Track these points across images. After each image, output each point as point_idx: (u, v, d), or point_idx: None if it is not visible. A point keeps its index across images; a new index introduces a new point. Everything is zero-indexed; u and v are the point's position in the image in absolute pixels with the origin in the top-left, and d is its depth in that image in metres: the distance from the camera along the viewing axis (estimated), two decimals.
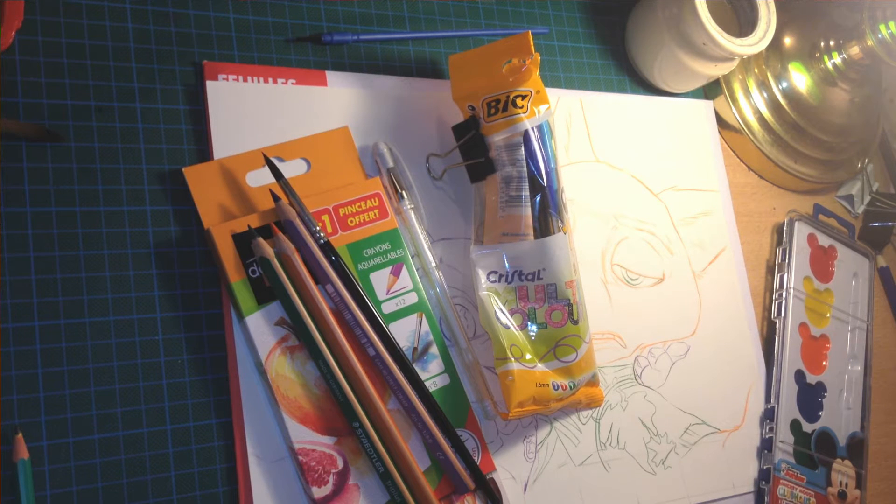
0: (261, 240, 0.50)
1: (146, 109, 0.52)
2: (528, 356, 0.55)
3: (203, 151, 0.53)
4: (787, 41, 0.74)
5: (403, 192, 0.56)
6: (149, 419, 0.48)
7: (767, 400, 0.68)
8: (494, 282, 0.56)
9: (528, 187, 0.55)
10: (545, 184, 0.55)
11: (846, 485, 0.70)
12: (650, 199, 0.67)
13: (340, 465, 0.50)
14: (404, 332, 0.54)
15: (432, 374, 0.54)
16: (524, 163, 0.55)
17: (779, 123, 0.73)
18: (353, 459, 0.50)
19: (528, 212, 0.55)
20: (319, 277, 0.51)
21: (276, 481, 0.49)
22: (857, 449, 0.72)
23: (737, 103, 0.73)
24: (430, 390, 0.53)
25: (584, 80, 0.68)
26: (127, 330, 0.48)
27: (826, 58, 0.73)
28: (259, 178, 0.53)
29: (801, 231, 0.73)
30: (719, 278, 0.69)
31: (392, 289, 0.54)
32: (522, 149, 0.55)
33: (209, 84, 0.53)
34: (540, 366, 0.55)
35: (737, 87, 0.73)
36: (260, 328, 0.50)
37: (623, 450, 0.61)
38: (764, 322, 0.71)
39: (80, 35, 0.51)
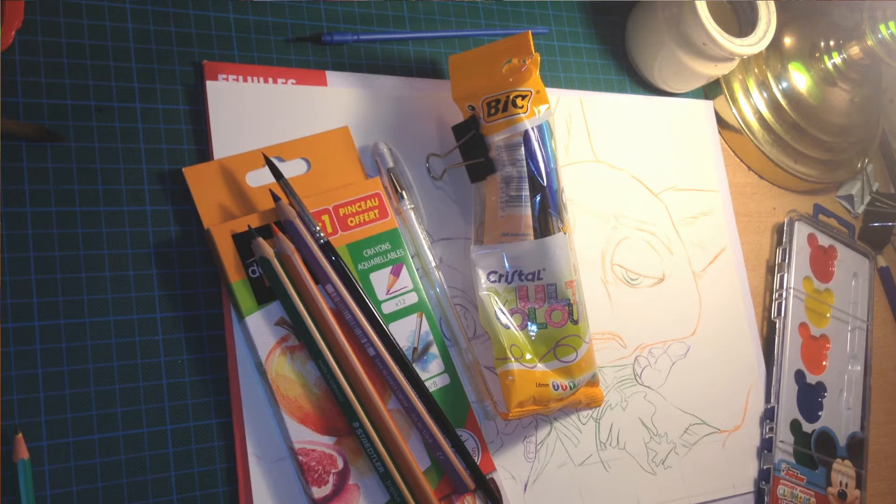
0: (261, 240, 0.50)
1: (146, 109, 0.52)
2: (528, 356, 0.55)
3: (203, 151, 0.53)
4: (787, 41, 0.74)
5: (403, 192, 0.56)
6: (149, 419, 0.48)
7: (767, 400, 0.68)
8: (494, 282, 0.56)
9: (528, 187, 0.55)
10: (545, 184, 0.55)
11: (846, 485, 0.70)
12: (650, 199, 0.67)
13: (340, 465, 0.50)
14: (404, 332, 0.54)
15: (432, 374, 0.54)
16: (524, 163, 0.55)
17: (779, 123, 0.73)
18: (353, 459, 0.50)
19: (528, 212, 0.55)
20: (319, 277, 0.51)
21: (276, 481, 0.49)
22: (857, 449, 0.72)
23: (737, 103, 0.73)
24: (430, 390, 0.53)
25: (584, 80, 0.68)
26: (127, 330, 0.48)
27: (826, 58, 0.73)
28: (259, 178, 0.53)
29: (801, 231, 0.73)
30: (719, 278, 0.69)
31: (392, 289, 0.54)
32: (522, 149, 0.55)
33: (209, 84, 0.53)
34: (540, 366, 0.55)
35: (737, 87, 0.73)
36: (260, 328, 0.50)
37: (623, 450, 0.61)
38: (764, 322, 0.71)
39: (80, 35, 0.51)
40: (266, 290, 0.50)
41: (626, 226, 0.65)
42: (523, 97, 0.55)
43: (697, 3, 0.63)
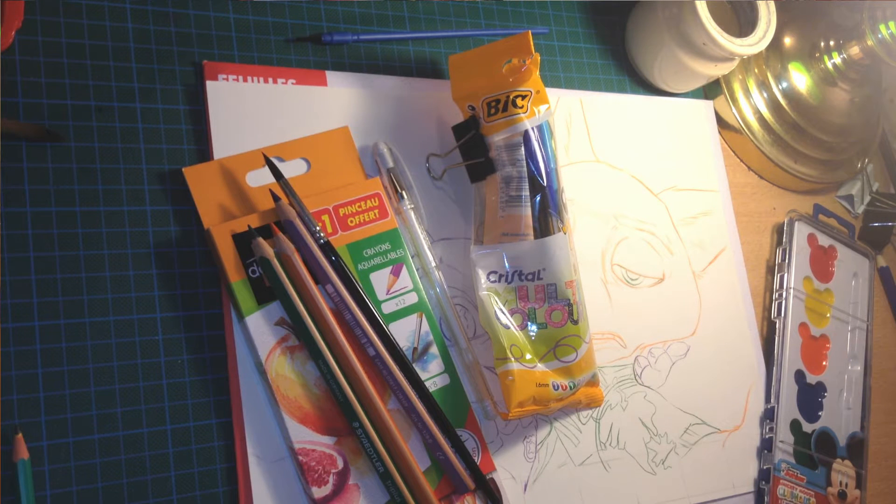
0: (261, 240, 0.50)
1: (146, 109, 0.52)
2: (528, 356, 0.55)
3: (203, 151, 0.53)
4: (787, 41, 0.74)
5: (403, 192, 0.56)
6: (149, 419, 0.48)
7: (767, 400, 0.68)
8: (494, 282, 0.56)
9: (528, 187, 0.55)
10: (545, 184, 0.55)
11: (846, 485, 0.70)
12: (650, 199, 0.67)
13: (340, 465, 0.50)
14: (404, 332, 0.54)
15: (432, 374, 0.54)
16: (524, 163, 0.55)
17: (779, 123, 0.73)
18: (353, 459, 0.50)
19: (528, 212, 0.55)
20: (319, 277, 0.51)
21: (276, 481, 0.49)
22: (857, 449, 0.72)
23: (737, 103, 0.73)
24: (430, 390, 0.53)
25: (584, 80, 0.68)
26: (127, 330, 0.48)
27: (826, 58, 0.73)
28: (259, 178, 0.53)
29: (801, 231, 0.73)
30: (719, 278, 0.69)
31: (392, 289, 0.54)
32: (522, 149, 0.55)
33: (209, 84, 0.53)
34: (540, 366, 0.55)
35: (737, 87, 0.73)
36: (260, 328, 0.50)
37: (623, 450, 0.61)
38: (764, 322, 0.71)
39: (80, 35, 0.51)
40: (266, 290, 0.50)
41: (626, 226, 0.65)
42: (523, 97, 0.55)
43: (697, 3, 0.63)
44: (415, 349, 0.54)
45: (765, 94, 0.73)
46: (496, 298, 0.55)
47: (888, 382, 0.78)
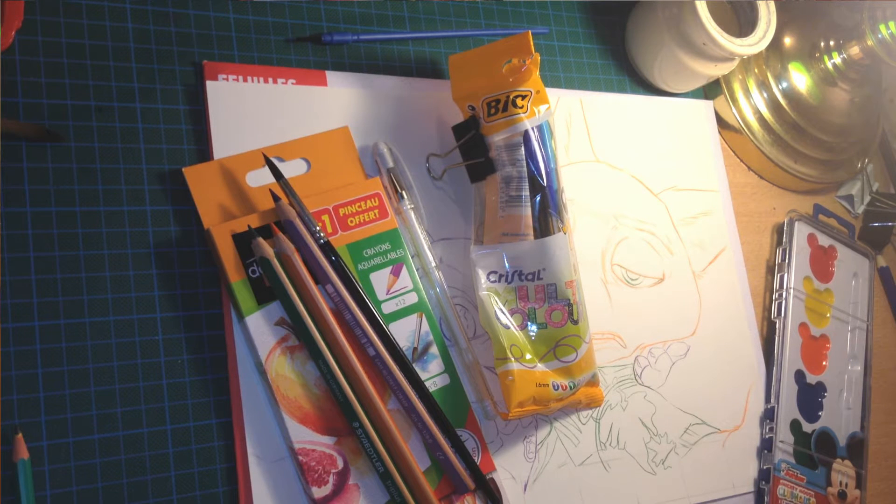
0: (261, 240, 0.50)
1: (146, 109, 0.52)
2: (528, 356, 0.55)
3: (203, 151, 0.53)
4: (787, 41, 0.74)
5: (403, 192, 0.56)
6: (149, 419, 0.48)
7: (767, 400, 0.68)
8: (494, 282, 0.56)
9: (528, 187, 0.55)
10: (545, 184, 0.55)
11: (846, 485, 0.70)
12: (650, 199, 0.67)
13: (340, 465, 0.50)
14: (404, 332, 0.54)
15: (432, 374, 0.54)
16: (524, 163, 0.55)
17: (779, 123, 0.73)
18: (353, 459, 0.50)
19: (528, 212, 0.55)
20: (319, 277, 0.51)
21: (276, 481, 0.49)
22: (857, 449, 0.72)
23: (737, 103, 0.73)
24: (430, 390, 0.53)
25: (584, 80, 0.68)
26: (127, 330, 0.48)
27: (826, 58, 0.73)
28: (259, 178, 0.53)
29: (801, 231, 0.73)
30: (719, 278, 0.69)
31: (392, 289, 0.54)
32: (522, 149, 0.55)
33: (209, 84, 0.53)
34: (540, 366, 0.55)
35: (737, 87, 0.73)
36: (260, 328, 0.50)
37: (623, 450, 0.61)
38: (764, 322, 0.71)
39: (80, 35, 0.51)
40: (266, 290, 0.50)
41: (626, 226, 0.65)
42: (523, 97, 0.55)
43: (697, 3, 0.63)
44: (415, 349, 0.54)
45: (765, 94, 0.73)
46: (496, 298, 0.55)
47: (888, 382, 0.78)
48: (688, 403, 0.64)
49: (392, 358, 0.51)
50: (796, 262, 0.72)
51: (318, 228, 0.51)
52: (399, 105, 0.59)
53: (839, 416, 0.72)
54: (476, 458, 0.54)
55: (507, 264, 0.56)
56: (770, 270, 0.73)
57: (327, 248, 0.51)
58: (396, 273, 0.54)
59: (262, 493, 0.49)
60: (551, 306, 0.55)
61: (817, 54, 0.73)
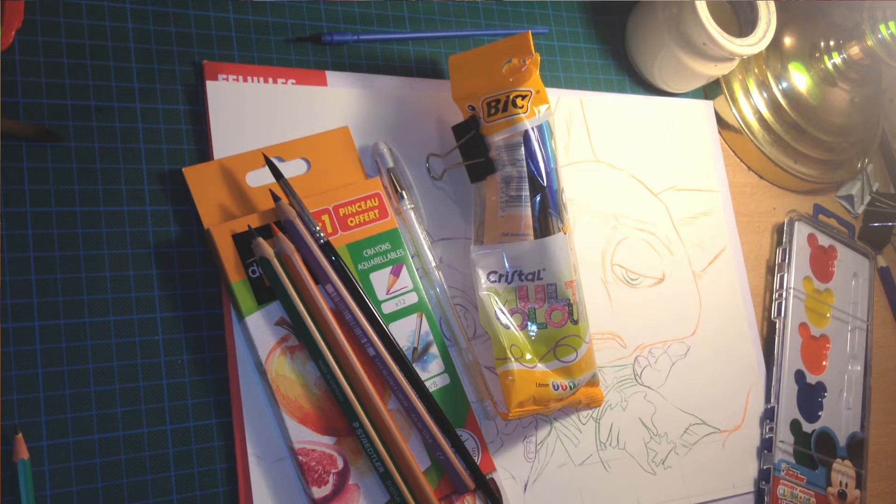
0: (261, 240, 0.50)
1: (146, 109, 0.52)
2: (528, 356, 0.55)
3: (203, 151, 0.53)
4: (787, 41, 0.74)
5: (403, 192, 0.56)
6: (149, 419, 0.48)
7: (767, 400, 0.68)
8: (494, 282, 0.56)
9: (528, 187, 0.55)
10: (545, 184, 0.55)
11: (846, 485, 0.70)
12: (650, 199, 0.67)
13: (340, 465, 0.50)
14: (404, 332, 0.54)
15: (432, 374, 0.54)
16: (524, 163, 0.55)
17: (779, 123, 0.73)
18: (353, 459, 0.50)
19: (528, 212, 0.55)
20: (319, 277, 0.51)
21: (276, 481, 0.49)
22: (857, 449, 0.72)
23: (737, 103, 0.73)
24: (430, 390, 0.53)
25: (584, 80, 0.68)
26: (127, 330, 0.48)
27: (826, 58, 0.73)
28: (259, 178, 0.53)
29: (801, 231, 0.73)
30: (719, 278, 0.69)
31: (392, 289, 0.54)
32: (522, 149, 0.55)
33: (209, 84, 0.53)
34: (540, 366, 0.55)
35: (737, 87, 0.73)
36: (260, 328, 0.50)
37: (623, 450, 0.61)
38: (764, 322, 0.71)
39: (80, 35, 0.51)
40: (266, 290, 0.50)
41: (626, 226, 0.65)
42: (523, 97, 0.55)
43: (697, 3, 0.63)
44: (415, 349, 0.54)
45: (765, 94, 0.73)
46: (496, 298, 0.55)
47: (888, 382, 0.78)
48: (688, 403, 0.64)
49: (392, 358, 0.51)
50: (796, 262, 0.72)
51: (318, 228, 0.51)
52: (399, 105, 0.59)
53: (839, 416, 0.72)
54: (476, 458, 0.54)
55: (507, 264, 0.56)
56: (770, 270, 0.73)
57: (327, 248, 0.51)
58: (396, 273, 0.54)
59: (262, 493, 0.49)
60: (551, 306, 0.55)
61: (817, 54, 0.73)
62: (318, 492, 0.49)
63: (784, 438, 0.67)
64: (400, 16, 0.61)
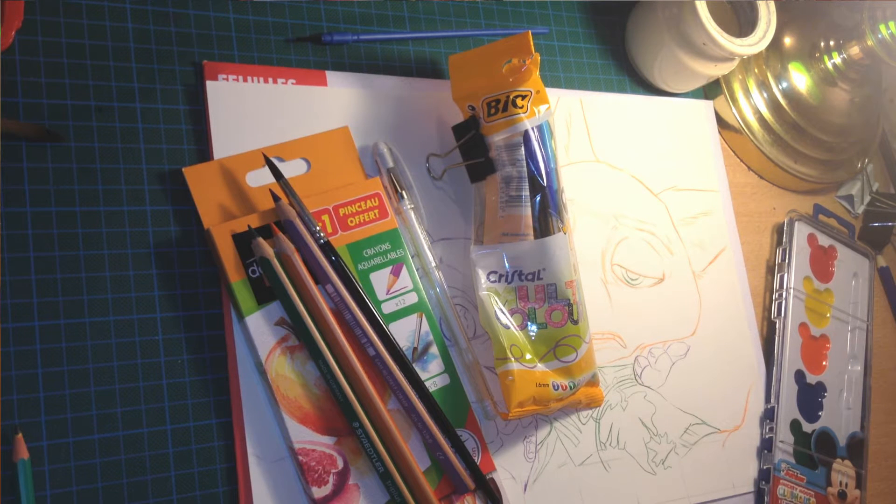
0: (261, 240, 0.50)
1: (146, 109, 0.52)
2: (528, 356, 0.55)
3: (203, 151, 0.53)
4: (787, 41, 0.74)
5: (403, 192, 0.56)
6: (149, 419, 0.48)
7: (767, 400, 0.68)
8: (494, 282, 0.56)
9: (528, 187, 0.55)
10: (545, 184, 0.55)
11: (846, 485, 0.70)
12: (650, 199, 0.67)
13: (340, 465, 0.50)
14: (404, 332, 0.54)
15: (432, 374, 0.54)
16: (524, 163, 0.55)
17: (779, 123, 0.73)
18: (353, 459, 0.50)
19: (528, 212, 0.55)
20: (319, 277, 0.51)
21: (276, 481, 0.49)
22: (857, 449, 0.72)
23: (737, 103, 0.73)
24: (430, 390, 0.53)
25: (584, 80, 0.68)
26: (127, 330, 0.48)
27: (826, 58, 0.73)
28: (259, 178, 0.53)
29: (801, 231, 0.73)
30: (719, 278, 0.69)
31: (392, 289, 0.54)
32: (522, 149, 0.55)
33: (209, 84, 0.53)
34: (540, 366, 0.55)
35: (737, 87, 0.73)
36: (260, 328, 0.50)
37: (623, 450, 0.61)
38: (764, 322, 0.71)
39: (80, 35, 0.51)
40: (266, 290, 0.50)
41: (626, 226, 0.65)
42: (523, 97, 0.55)
43: (697, 3, 0.63)
44: (415, 349, 0.54)
45: (765, 94, 0.73)
46: (496, 298, 0.55)
47: (888, 382, 0.78)
48: (688, 403, 0.64)
49: (392, 358, 0.51)
50: (796, 262, 0.72)
51: (318, 228, 0.51)
52: (399, 105, 0.59)
53: (839, 416, 0.72)
54: (476, 458, 0.54)
55: (507, 264, 0.56)
56: (770, 270, 0.73)
57: (327, 248, 0.51)
58: (396, 273, 0.54)
59: (262, 493, 0.49)
60: (551, 306, 0.55)
61: (817, 54, 0.73)
62: (318, 492, 0.49)
63: (784, 438, 0.67)
64: (400, 16, 0.61)
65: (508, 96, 0.55)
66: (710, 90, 0.74)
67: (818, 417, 0.70)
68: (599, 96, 0.68)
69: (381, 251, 0.54)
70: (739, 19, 0.69)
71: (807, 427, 0.69)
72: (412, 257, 0.55)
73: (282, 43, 0.57)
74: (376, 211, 0.54)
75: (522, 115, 0.55)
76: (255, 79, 0.55)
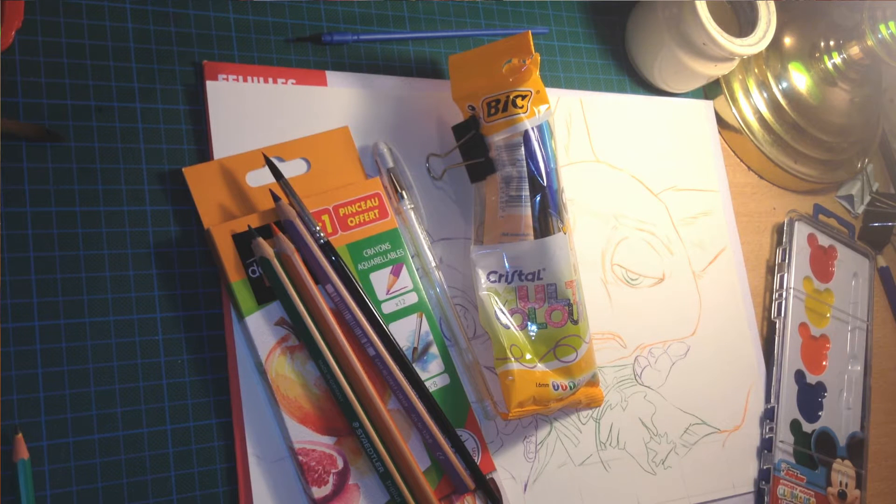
0: (261, 240, 0.50)
1: (146, 109, 0.52)
2: (528, 356, 0.55)
3: (203, 151, 0.53)
4: (787, 41, 0.74)
5: (403, 192, 0.56)
6: (149, 419, 0.48)
7: (767, 400, 0.68)
8: (494, 282, 0.56)
9: (528, 187, 0.55)
10: (545, 184, 0.55)
11: (846, 485, 0.70)
12: (650, 199, 0.67)
13: (340, 465, 0.50)
14: (404, 332, 0.54)
15: (432, 374, 0.54)
16: (524, 163, 0.55)
17: (779, 123, 0.73)
18: (353, 459, 0.50)
19: (528, 212, 0.55)
20: (319, 277, 0.51)
21: (276, 481, 0.49)
22: (857, 449, 0.72)
23: (737, 103, 0.73)
24: (430, 390, 0.53)
25: (584, 80, 0.68)
26: (127, 330, 0.48)
27: (826, 58, 0.73)
28: (259, 178, 0.53)
29: (801, 231, 0.73)
30: (719, 278, 0.69)
31: (392, 289, 0.54)
32: (522, 149, 0.55)
33: (209, 84, 0.53)
34: (540, 366, 0.55)
35: (737, 87, 0.73)
36: (260, 328, 0.50)
37: (623, 450, 0.61)
38: (764, 322, 0.71)
39: (80, 35, 0.51)
40: (266, 290, 0.50)
41: (626, 226, 0.65)
42: (523, 97, 0.55)
43: (697, 3, 0.63)
44: (415, 349, 0.54)
45: (765, 94, 0.73)
46: (496, 298, 0.55)
47: (888, 382, 0.78)
48: (688, 403, 0.64)
49: (392, 358, 0.51)
50: (796, 262, 0.72)
51: (318, 228, 0.51)
52: (399, 105, 0.59)
53: (839, 416, 0.72)
54: (476, 458, 0.54)
55: (507, 264, 0.56)
56: (770, 270, 0.73)
57: (327, 248, 0.51)
58: (396, 273, 0.54)
59: (262, 493, 0.49)
60: (551, 306, 0.55)
61: (817, 54, 0.73)
62: (318, 492, 0.49)
63: (784, 438, 0.67)
64: (400, 16, 0.61)
65: (508, 96, 0.55)
66: (710, 90, 0.74)
67: (818, 417, 0.70)
68: (599, 96, 0.68)
69: (381, 251, 0.54)
70: (739, 19, 0.69)
71: (807, 427, 0.69)
72: (412, 257, 0.55)
73: (282, 43, 0.57)
74: (376, 211, 0.54)
75: (522, 115, 0.55)
76: (255, 79, 0.55)
